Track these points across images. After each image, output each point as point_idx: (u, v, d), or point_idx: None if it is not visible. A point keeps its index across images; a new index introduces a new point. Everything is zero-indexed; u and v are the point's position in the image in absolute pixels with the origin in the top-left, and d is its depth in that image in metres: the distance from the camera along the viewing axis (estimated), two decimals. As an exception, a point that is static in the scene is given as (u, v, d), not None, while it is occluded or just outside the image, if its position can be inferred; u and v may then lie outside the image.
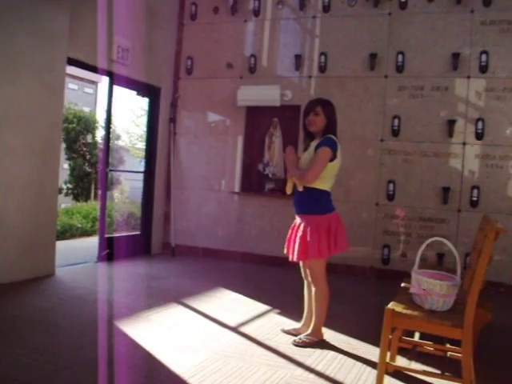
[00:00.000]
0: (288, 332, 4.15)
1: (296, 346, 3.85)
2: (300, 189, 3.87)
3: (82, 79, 28.80)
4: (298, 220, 4.00)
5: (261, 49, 7.45)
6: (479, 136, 6.34)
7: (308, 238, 3.80)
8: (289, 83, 7.23)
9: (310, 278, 3.99)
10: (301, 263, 4.11)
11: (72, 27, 5.82)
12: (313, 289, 3.96)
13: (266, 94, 7.16)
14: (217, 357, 3.52)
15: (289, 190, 4.04)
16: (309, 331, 3.96)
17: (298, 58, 7.15)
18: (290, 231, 4.08)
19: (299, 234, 3.87)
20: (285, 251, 4.10)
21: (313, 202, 3.86)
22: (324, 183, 3.86)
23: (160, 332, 4.03)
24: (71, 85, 27.56)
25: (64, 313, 4.41)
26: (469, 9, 6.38)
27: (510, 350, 4.10)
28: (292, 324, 4.34)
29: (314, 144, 3.90)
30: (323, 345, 3.91)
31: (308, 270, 3.98)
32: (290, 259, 3.98)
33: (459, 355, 2.96)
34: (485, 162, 6.34)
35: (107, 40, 6.34)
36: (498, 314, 4.05)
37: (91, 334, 3.80)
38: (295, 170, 3.90)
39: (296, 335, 4.03)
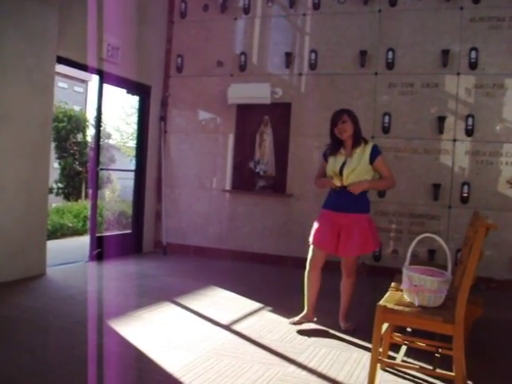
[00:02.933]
0: (296, 322, 4.31)
1: (349, 331, 4.21)
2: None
3: (72, 78, 28.64)
4: (340, 217, 4.17)
5: (251, 46, 7.44)
6: (469, 132, 6.37)
7: (368, 232, 4.15)
8: (279, 81, 7.23)
9: (345, 271, 4.29)
10: (315, 252, 4.30)
11: (61, 26, 5.79)
12: (347, 281, 4.31)
13: (256, 92, 7.16)
14: (209, 355, 3.52)
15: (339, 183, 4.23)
16: (345, 319, 4.33)
17: (289, 56, 7.15)
18: (328, 227, 4.20)
19: (356, 229, 4.11)
20: (315, 243, 4.25)
21: (365, 202, 4.25)
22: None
23: (152, 331, 4.02)
24: (61, 83, 27.32)
25: (55, 312, 4.39)
26: (458, 6, 6.40)
27: (501, 344, 4.13)
28: (283, 321, 4.37)
29: (360, 151, 4.17)
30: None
31: (347, 263, 4.27)
32: (342, 254, 4.20)
33: (451, 351, 2.98)
34: (475, 158, 6.36)
35: (97, 38, 6.30)
36: (488, 309, 4.07)
37: (83, 334, 3.78)
38: (381, 183, 4.32)
39: (305, 323, 4.31)
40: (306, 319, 4.33)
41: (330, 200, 4.29)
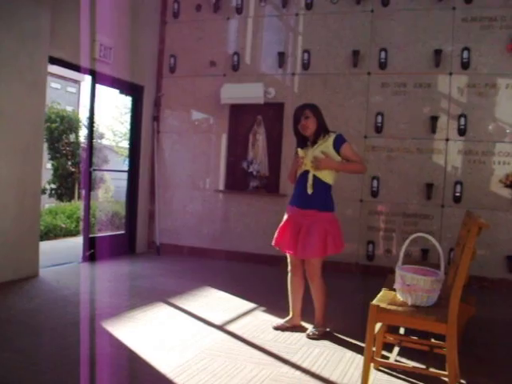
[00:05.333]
0: (279, 327, 4.21)
1: (311, 339, 3.98)
2: (310, 191, 4.01)
3: (64, 78, 28.54)
4: (301, 215, 4.06)
5: (244, 46, 7.44)
6: (462, 132, 6.39)
7: (328, 234, 3.98)
8: (272, 81, 7.23)
9: (307, 274, 4.12)
10: (290, 256, 4.20)
11: (54, 26, 5.77)
12: (311, 285, 4.12)
13: (249, 92, 7.15)
14: (203, 355, 3.51)
15: (311, 189, 4.06)
16: (316, 324, 4.13)
17: (281, 56, 7.15)
18: (288, 226, 4.12)
19: (315, 230, 3.96)
20: (275, 243, 4.19)
21: (329, 199, 4.07)
22: (334, 179, 4.09)
23: (145, 331, 4.02)
24: (54, 84, 27.25)
25: (48, 314, 4.37)
26: (450, 6, 6.42)
27: (494, 343, 4.14)
28: (277, 321, 4.33)
29: (322, 142, 4.04)
30: (329, 336, 4.06)
31: (308, 266, 4.09)
32: (300, 256, 4.08)
33: (444, 350, 2.98)
34: (467, 157, 6.39)
35: (90, 38, 6.29)
36: (481, 308, 4.09)
37: (76, 335, 3.77)
38: (348, 165, 4.08)
39: (289, 328, 4.20)
40: (291, 324, 4.24)
41: (293, 195, 4.18)
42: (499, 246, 6.17)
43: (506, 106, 6.25)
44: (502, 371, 3.51)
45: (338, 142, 4.01)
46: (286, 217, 4.20)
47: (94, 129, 8.19)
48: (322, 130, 4.07)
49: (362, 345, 3.26)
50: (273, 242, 4.22)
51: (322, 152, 4.00)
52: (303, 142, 4.15)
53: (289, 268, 4.28)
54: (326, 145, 4.01)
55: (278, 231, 4.20)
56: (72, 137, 17.24)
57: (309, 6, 7.05)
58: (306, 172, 4.05)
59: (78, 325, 4.03)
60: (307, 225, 4.00)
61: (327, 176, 4.03)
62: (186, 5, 7.70)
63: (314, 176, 4.01)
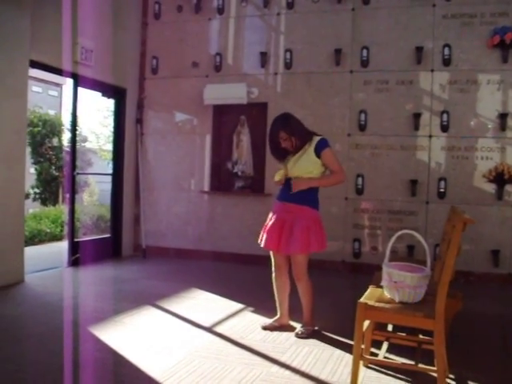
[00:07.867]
0: (267, 327, 4.21)
1: (300, 338, 3.99)
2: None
3: (46, 82, 28.33)
4: (284, 211, 4.08)
5: (226, 47, 7.43)
6: (444, 128, 6.43)
7: (310, 231, 3.99)
8: (255, 81, 7.23)
9: (294, 274, 4.11)
10: (274, 255, 4.22)
11: (34, 29, 5.71)
12: (298, 285, 4.12)
13: (232, 92, 7.16)
14: (192, 358, 3.50)
15: (278, 178, 4.16)
16: (304, 323, 4.14)
17: (264, 55, 7.15)
18: (272, 222, 4.13)
19: (298, 226, 3.98)
20: (263, 244, 4.16)
21: (312, 196, 4.08)
22: None
23: (133, 335, 3.99)
24: (35, 87, 27.05)
25: (34, 320, 4.33)
26: (430, 3, 6.46)
27: (482, 337, 4.17)
28: (265, 321, 4.32)
29: (307, 149, 4.05)
30: (317, 334, 4.07)
31: (293, 264, 4.09)
32: (283, 251, 4.11)
33: (432, 345, 3.00)
34: (451, 153, 6.43)
35: (71, 41, 6.24)
36: (468, 302, 4.11)
37: (63, 341, 3.74)
38: (326, 180, 4.13)
39: (278, 327, 4.20)
40: (280, 323, 4.23)
41: (279, 191, 4.21)
42: (484, 241, 6.22)
43: (487, 102, 6.31)
44: (489, 364, 3.55)
45: (320, 147, 4.02)
46: (270, 215, 4.21)
47: (77, 132, 8.12)
48: (303, 141, 4.07)
49: (351, 342, 3.27)
50: (262, 245, 4.19)
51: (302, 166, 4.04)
52: (285, 154, 4.16)
53: (273, 268, 4.28)
54: (308, 152, 4.03)
55: (263, 231, 4.20)
56: (55, 141, 17.13)
57: (290, 6, 7.06)
58: (290, 178, 4.09)
59: (65, 330, 4.00)
60: (290, 220, 4.03)
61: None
62: (167, 6, 7.67)
63: None
